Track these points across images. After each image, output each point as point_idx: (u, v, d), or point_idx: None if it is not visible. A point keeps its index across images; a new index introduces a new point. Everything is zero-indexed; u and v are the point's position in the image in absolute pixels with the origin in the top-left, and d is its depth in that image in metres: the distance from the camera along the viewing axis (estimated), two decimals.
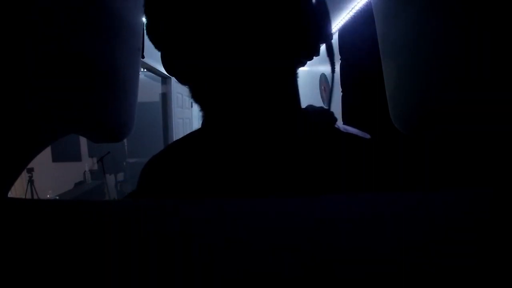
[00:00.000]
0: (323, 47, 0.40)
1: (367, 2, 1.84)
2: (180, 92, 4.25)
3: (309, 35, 0.37)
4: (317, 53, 0.39)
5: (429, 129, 0.32)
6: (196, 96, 0.39)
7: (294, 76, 0.39)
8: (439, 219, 0.20)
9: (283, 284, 0.16)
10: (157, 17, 0.36)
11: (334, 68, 0.41)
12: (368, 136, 0.42)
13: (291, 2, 0.34)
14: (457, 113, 0.28)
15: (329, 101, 0.41)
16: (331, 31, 0.39)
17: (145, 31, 0.38)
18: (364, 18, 1.86)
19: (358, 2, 1.93)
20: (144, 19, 0.38)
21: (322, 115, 0.41)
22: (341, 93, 2.19)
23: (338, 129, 0.40)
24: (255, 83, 0.35)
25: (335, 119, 0.41)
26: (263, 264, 0.17)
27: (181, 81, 0.39)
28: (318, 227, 0.20)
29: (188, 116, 4.64)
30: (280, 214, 0.22)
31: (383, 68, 0.38)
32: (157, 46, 0.38)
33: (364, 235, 0.19)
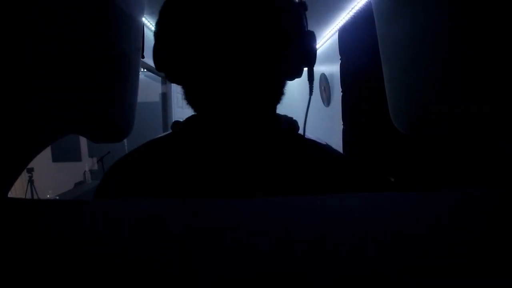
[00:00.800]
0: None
1: (367, 2, 1.84)
2: (180, 92, 4.24)
3: (292, 60, 0.40)
4: (299, 75, 0.43)
5: (428, 129, 0.32)
6: (188, 96, 0.42)
7: (275, 88, 0.42)
8: (439, 219, 0.20)
9: (275, 284, 0.16)
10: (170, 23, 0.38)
11: (312, 91, 0.45)
12: (324, 142, 0.46)
13: (278, 32, 0.37)
14: (457, 113, 0.28)
15: (306, 113, 0.44)
16: (314, 58, 0.42)
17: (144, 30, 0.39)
18: (364, 18, 1.86)
19: (358, 2, 1.93)
20: (144, 19, 0.39)
21: (288, 122, 0.45)
22: (341, 93, 2.19)
23: (300, 135, 0.45)
24: (240, 92, 0.38)
25: (298, 127, 0.46)
26: (257, 264, 0.17)
27: (174, 80, 0.42)
28: (318, 226, 0.20)
29: (188, 116, 4.63)
30: (279, 214, 0.22)
31: (383, 68, 0.38)
32: (160, 46, 0.39)
33: (364, 235, 0.19)
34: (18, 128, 0.26)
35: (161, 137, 0.46)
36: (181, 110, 4.41)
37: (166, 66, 0.40)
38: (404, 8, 0.32)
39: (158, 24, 0.40)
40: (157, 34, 0.40)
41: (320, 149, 0.45)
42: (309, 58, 0.41)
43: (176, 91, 4.15)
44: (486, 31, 0.24)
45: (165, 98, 3.89)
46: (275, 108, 0.44)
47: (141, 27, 0.43)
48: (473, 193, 0.23)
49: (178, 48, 0.38)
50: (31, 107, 0.26)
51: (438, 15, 0.28)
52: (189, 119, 0.44)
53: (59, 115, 0.29)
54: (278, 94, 0.42)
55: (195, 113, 0.43)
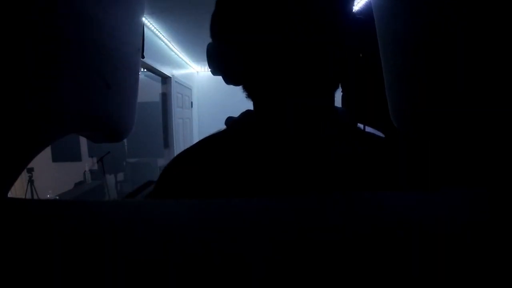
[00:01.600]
0: None
1: (367, 2, 1.84)
2: (180, 92, 4.25)
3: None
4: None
5: (429, 129, 0.32)
6: (251, 91, 0.43)
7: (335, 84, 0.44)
8: (439, 219, 0.20)
9: (284, 283, 0.16)
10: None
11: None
12: (382, 135, 0.46)
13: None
14: (458, 113, 0.28)
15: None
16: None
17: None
18: (364, 17, 1.86)
19: (358, 2, 1.93)
20: (144, 19, 0.39)
21: (346, 116, 0.45)
22: (341, 93, 2.19)
23: (360, 129, 0.45)
24: (306, 92, 0.39)
25: (357, 120, 0.46)
26: (266, 262, 0.17)
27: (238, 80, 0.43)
28: (317, 226, 0.20)
29: (188, 116, 4.64)
30: (278, 214, 0.22)
31: (383, 68, 0.38)
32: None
33: (364, 235, 0.19)
34: (18, 128, 0.26)
35: (217, 133, 0.46)
36: (181, 110, 4.41)
37: (231, 71, 0.42)
38: (404, 7, 0.32)
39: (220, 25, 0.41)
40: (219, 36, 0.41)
41: (380, 142, 0.44)
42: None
43: (176, 91, 4.15)
44: (487, 30, 0.24)
45: (165, 98, 3.89)
46: (333, 99, 0.45)
47: (141, 27, 0.43)
48: (472, 193, 0.23)
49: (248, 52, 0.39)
50: (31, 107, 0.26)
51: (438, 15, 0.28)
52: (244, 114, 0.45)
53: (59, 115, 0.29)
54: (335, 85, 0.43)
55: (250, 109, 0.43)
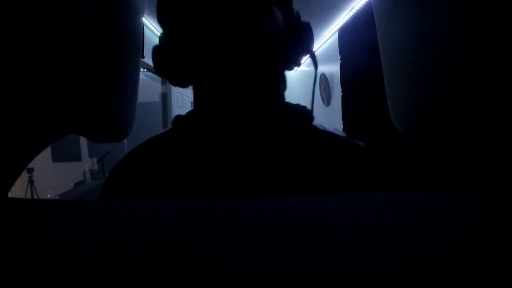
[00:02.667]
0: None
1: (367, 2, 1.84)
2: (180, 92, 4.25)
3: (293, 48, 0.40)
4: (297, 65, 0.42)
5: (429, 129, 0.32)
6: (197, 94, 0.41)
7: (277, 78, 0.41)
8: (439, 219, 0.20)
9: (278, 285, 0.16)
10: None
11: (316, 78, 0.45)
12: (343, 134, 0.44)
13: (274, 21, 0.36)
14: (458, 112, 0.28)
15: (311, 101, 0.44)
16: (312, 47, 0.43)
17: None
18: (364, 18, 1.86)
19: (358, 2, 1.93)
20: (144, 19, 0.39)
21: (300, 112, 0.43)
22: (341, 93, 2.19)
23: (315, 127, 0.42)
24: (240, 80, 0.37)
25: (313, 117, 0.43)
26: (259, 266, 0.17)
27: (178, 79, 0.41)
28: (317, 226, 0.20)
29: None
30: (278, 213, 0.22)
31: (383, 68, 0.38)
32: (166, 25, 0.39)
33: (364, 234, 0.19)
34: (18, 128, 0.26)
35: (163, 133, 0.46)
36: (181, 110, 4.40)
37: (167, 68, 0.40)
38: (404, 8, 0.32)
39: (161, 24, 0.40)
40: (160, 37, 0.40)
41: (337, 140, 0.42)
42: (306, 47, 0.42)
43: (176, 91, 4.15)
44: (487, 30, 0.24)
45: (165, 98, 3.89)
46: (282, 97, 0.43)
47: (141, 27, 0.43)
48: (472, 193, 0.23)
49: (177, 48, 0.38)
50: (31, 107, 0.26)
51: (439, 15, 0.28)
52: (191, 113, 0.44)
53: (59, 115, 0.29)
54: (280, 83, 0.41)
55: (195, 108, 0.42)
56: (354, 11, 2.02)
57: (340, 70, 2.21)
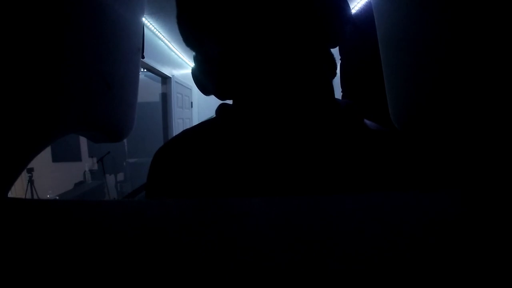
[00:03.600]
0: None
1: (367, 2, 1.85)
2: (180, 92, 4.25)
3: (330, 19, 0.37)
4: (342, 37, 0.39)
5: (429, 129, 0.32)
6: (226, 81, 0.39)
7: (324, 66, 0.38)
8: (439, 219, 0.20)
9: (283, 282, 0.16)
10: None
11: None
12: (392, 131, 0.40)
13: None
14: (458, 112, 0.28)
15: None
16: (351, 13, 0.38)
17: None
18: (364, 18, 1.86)
19: (358, 2, 1.93)
20: (144, 19, 0.38)
21: (351, 109, 0.40)
22: (341, 93, 2.19)
23: (365, 125, 0.39)
24: (282, 69, 0.35)
25: (362, 114, 0.40)
26: (264, 262, 0.17)
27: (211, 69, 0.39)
28: (318, 226, 0.20)
29: (188, 116, 4.64)
30: (278, 214, 0.22)
31: (383, 68, 0.38)
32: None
33: (364, 234, 0.19)
34: (18, 128, 0.26)
35: (207, 122, 0.43)
36: (181, 110, 4.41)
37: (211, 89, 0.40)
38: (404, 8, 0.32)
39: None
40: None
41: (390, 138, 0.39)
42: (346, 13, 0.38)
43: (176, 91, 4.15)
44: (487, 30, 0.24)
45: (165, 98, 3.89)
46: (330, 85, 0.40)
47: (141, 27, 0.43)
48: (472, 193, 0.23)
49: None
50: (31, 107, 0.26)
51: (438, 15, 0.28)
52: (236, 104, 0.41)
53: (59, 115, 0.29)
54: (325, 65, 0.38)
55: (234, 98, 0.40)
56: (354, 11, 2.02)
57: (340, 70, 2.21)
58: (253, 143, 0.37)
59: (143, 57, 0.45)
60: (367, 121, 0.40)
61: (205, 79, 0.40)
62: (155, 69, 3.27)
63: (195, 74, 0.41)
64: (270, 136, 0.36)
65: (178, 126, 4.03)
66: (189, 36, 0.38)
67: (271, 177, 0.34)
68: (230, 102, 0.43)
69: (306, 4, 0.35)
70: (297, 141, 0.36)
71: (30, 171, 3.60)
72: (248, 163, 0.36)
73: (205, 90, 0.41)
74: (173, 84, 3.90)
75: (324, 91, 0.38)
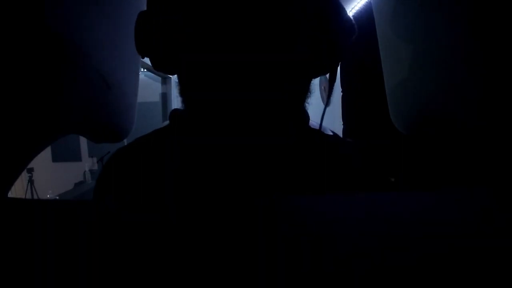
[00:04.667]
0: None
1: (367, 2, 1.85)
2: None
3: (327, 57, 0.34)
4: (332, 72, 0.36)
5: (428, 129, 0.32)
6: (186, 86, 0.35)
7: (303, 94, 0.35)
8: (439, 219, 0.20)
9: (280, 283, 0.16)
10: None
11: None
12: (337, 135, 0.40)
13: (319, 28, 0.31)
14: (458, 112, 0.28)
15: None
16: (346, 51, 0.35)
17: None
18: (364, 18, 1.86)
19: (358, 2, 1.93)
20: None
21: (323, 137, 0.39)
22: (341, 93, 2.19)
23: (324, 134, 0.39)
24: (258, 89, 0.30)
25: (308, 118, 0.39)
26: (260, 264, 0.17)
27: (169, 68, 0.35)
28: (317, 226, 0.20)
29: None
30: (279, 214, 0.22)
31: (383, 68, 0.38)
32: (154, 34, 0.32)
33: (364, 234, 0.19)
34: (18, 128, 0.26)
35: (160, 129, 0.41)
36: None
37: (153, 50, 0.33)
38: (404, 8, 0.32)
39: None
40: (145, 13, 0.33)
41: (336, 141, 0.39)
42: (343, 54, 0.34)
43: (176, 91, 4.15)
44: (486, 31, 0.24)
45: (165, 98, 3.89)
46: (301, 116, 0.37)
47: None
48: (472, 193, 0.23)
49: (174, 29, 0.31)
50: (31, 107, 0.26)
51: (438, 15, 0.28)
52: (191, 108, 0.37)
53: (59, 115, 0.29)
54: (303, 93, 0.35)
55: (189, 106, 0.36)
56: (354, 11, 2.02)
57: (340, 70, 2.21)
58: (205, 155, 0.34)
59: (143, 57, 0.45)
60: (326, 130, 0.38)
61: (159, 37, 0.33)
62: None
63: (148, 22, 0.33)
64: (222, 151, 0.33)
65: None
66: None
67: (216, 189, 0.32)
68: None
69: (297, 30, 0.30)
70: (251, 159, 0.33)
71: (30, 171, 3.59)
72: (197, 174, 0.33)
73: (145, 49, 0.33)
74: (173, 84, 3.90)
75: (292, 118, 0.36)
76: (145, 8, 0.35)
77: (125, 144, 0.39)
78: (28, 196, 3.54)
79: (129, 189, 0.36)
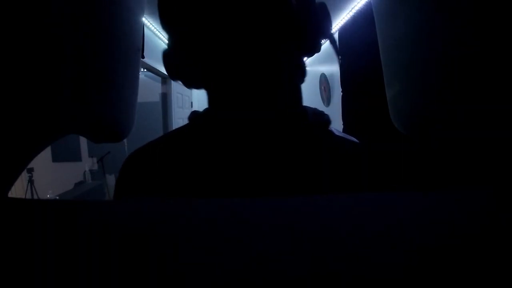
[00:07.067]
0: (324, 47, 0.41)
1: (367, 2, 1.85)
2: (180, 92, 4.25)
3: (307, 31, 0.38)
4: (317, 49, 0.41)
5: (429, 129, 0.32)
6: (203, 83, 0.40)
7: (296, 74, 0.40)
8: (439, 219, 0.20)
9: (281, 285, 0.16)
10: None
11: (339, 57, 0.44)
12: (357, 141, 0.43)
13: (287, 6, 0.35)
14: (457, 113, 0.28)
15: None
16: (331, 29, 0.41)
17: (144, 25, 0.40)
18: (364, 18, 1.86)
19: (358, 2, 1.93)
20: (144, 19, 0.39)
21: (318, 116, 0.42)
22: (341, 93, 2.19)
23: (332, 132, 0.41)
24: (253, 76, 0.37)
25: (329, 122, 0.42)
26: (261, 264, 0.17)
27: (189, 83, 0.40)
28: (318, 226, 0.20)
29: (188, 116, 4.63)
30: (280, 213, 0.22)
31: (383, 68, 0.38)
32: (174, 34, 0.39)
33: (364, 235, 0.19)
34: (18, 128, 0.26)
35: (180, 128, 0.45)
36: (181, 110, 4.41)
37: (179, 74, 0.40)
38: (404, 8, 0.32)
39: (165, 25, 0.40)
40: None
41: (354, 146, 0.41)
42: (325, 29, 0.40)
43: (176, 91, 4.15)
44: (486, 31, 0.24)
45: (165, 98, 3.89)
46: (299, 91, 0.42)
47: (141, 27, 0.43)
48: (472, 193, 0.23)
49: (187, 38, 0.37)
50: (31, 107, 0.26)
51: (438, 15, 0.28)
52: (208, 110, 0.42)
53: (59, 115, 0.29)
54: (297, 73, 0.40)
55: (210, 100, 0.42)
56: (354, 11, 2.02)
57: (340, 70, 2.21)
58: (222, 149, 0.38)
59: (143, 57, 0.45)
60: (334, 129, 0.42)
61: (178, 63, 0.41)
62: (155, 69, 3.27)
63: (169, 56, 0.41)
64: (240, 143, 0.38)
65: (178, 126, 4.02)
66: (172, 19, 0.39)
67: (238, 182, 0.36)
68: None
69: (287, 14, 0.36)
70: (263, 147, 0.37)
71: (30, 171, 3.60)
72: (217, 168, 0.37)
73: (174, 74, 0.41)
74: (173, 84, 3.90)
75: (293, 97, 0.41)
76: (144, 8, 0.37)
77: (125, 144, 0.40)
78: (28, 196, 3.54)
79: (151, 187, 0.38)
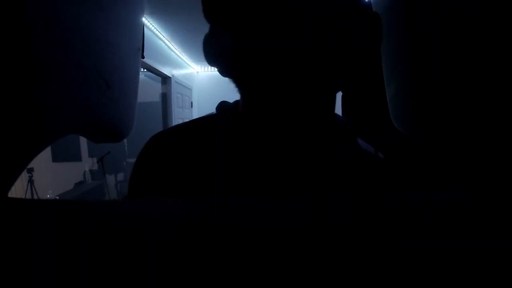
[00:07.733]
0: None
1: (366, 2, 1.84)
2: (180, 92, 4.25)
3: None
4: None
5: (429, 129, 0.32)
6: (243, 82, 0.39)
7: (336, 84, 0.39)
8: (439, 219, 0.20)
9: (285, 283, 0.16)
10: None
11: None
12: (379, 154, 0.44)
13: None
14: (457, 113, 0.28)
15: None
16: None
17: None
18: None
19: None
20: (144, 19, 0.38)
21: (346, 124, 0.43)
22: (341, 93, 2.19)
23: (356, 140, 0.42)
24: (306, 91, 0.36)
25: (356, 130, 0.43)
26: (267, 260, 0.17)
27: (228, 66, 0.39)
28: (316, 227, 0.20)
29: (188, 116, 4.64)
30: (281, 213, 0.22)
31: (383, 68, 0.38)
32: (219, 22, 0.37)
33: (365, 235, 0.19)
34: (18, 128, 0.26)
35: (206, 117, 0.44)
36: (181, 110, 4.41)
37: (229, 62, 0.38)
38: (404, 8, 0.32)
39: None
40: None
41: (377, 159, 0.42)
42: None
43: (176, 91, 4.15)
44: (486, 31, 0.24)
45: (165, 98, 3.89)
46: (333, 103, 0.41)
47: (141, 27, 0.43)
48: (472, 193, 0.23)
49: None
50: (31, 107, 0.26)
51: (438, 15, 0.28)
52: (238, 103, 0.41)
53: (59, 115, 0.29)
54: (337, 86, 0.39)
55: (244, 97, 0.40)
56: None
57: None
58: (252, 144, 0.37)
59: (143, 57, 0.45)
60: (359, 140, 0.43)
61: (216, 53, 0.39)
62: (155, 69, 3.27)
63: (209, 43, 0.39)
64: (271, 140, 0.37)
65: None
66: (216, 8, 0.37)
67: (264, 179, 0.35)
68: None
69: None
70: (295, 148, 0.37)
71: (30, 171, 3.59)
72: (244, 163, 0.36)
73: (211, 61, 0.39)
74: (173, 84, 3.90)
75: (329, 104, 0.40)
76: (144, 8, 0.37)
77: (125, 144, 0.40)
78: (28, 196, 3.54)
79: (169, 175, 0.37)
